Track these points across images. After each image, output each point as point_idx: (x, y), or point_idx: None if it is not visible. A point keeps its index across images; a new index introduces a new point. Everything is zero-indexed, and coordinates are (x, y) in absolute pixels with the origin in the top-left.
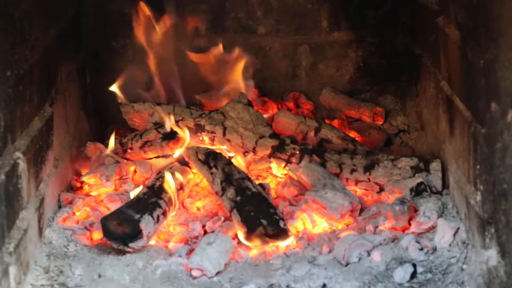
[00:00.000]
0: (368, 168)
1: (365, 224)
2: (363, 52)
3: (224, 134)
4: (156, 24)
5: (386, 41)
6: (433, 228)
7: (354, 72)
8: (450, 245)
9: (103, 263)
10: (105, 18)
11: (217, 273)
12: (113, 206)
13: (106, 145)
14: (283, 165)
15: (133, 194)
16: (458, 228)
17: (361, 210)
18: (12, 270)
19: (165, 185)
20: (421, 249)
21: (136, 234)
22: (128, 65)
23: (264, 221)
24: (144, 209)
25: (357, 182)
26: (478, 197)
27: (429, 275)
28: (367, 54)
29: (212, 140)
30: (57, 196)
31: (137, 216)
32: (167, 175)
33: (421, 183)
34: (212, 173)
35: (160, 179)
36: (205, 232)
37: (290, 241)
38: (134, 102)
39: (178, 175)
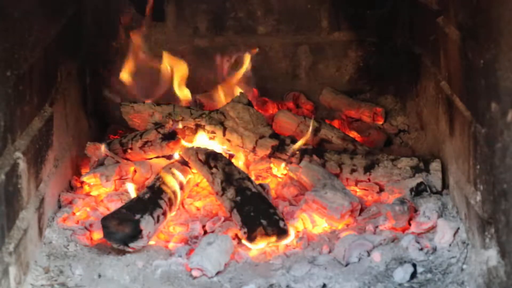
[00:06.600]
0: (368, 168)
1: (365, 224)
2: (363, 52)
3: (224, 134)
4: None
5: (386, 41)
6: (433, 228)
7: (354, 72)
8: (450, 245)
9: (103, 263)
10: (105, 18)
11: (217, 273)
12: (113, 206)
13: (106, 146)
14: (283, 165)
15: (131, 191)
16: (458, 228)
17: (361, 210)
18: (12, 270)
19: (165, 186)
20: (421, 249)
21: (136, 234)
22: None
23: (264, 221)
24: (144, 209)
25: (357, 182)
26: (478, 197)
27: (429, 275)
28: (367, 54)
29: (212, 140)
30: (57, 196)
31: (137, 216)
32: (168, 177)
33: (421, 183)
34: (212, 173)
35: (160, 179)
36: (205, 232)
37: (289, 240)
38: (134, 102)
39: (177, 173)
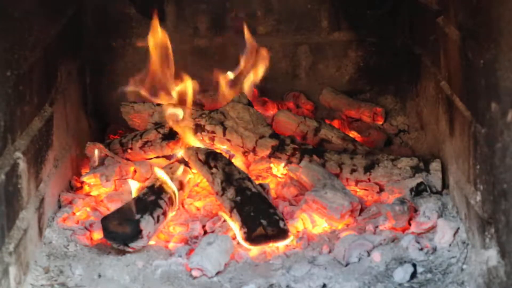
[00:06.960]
0: (368, 168)
1: (365, 224)
2: (363, 52)
3: (224, 134)
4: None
5: (386, 41)
6: (433, 228)
7: (354, 72)
8: (450, 245)
9: (103, 263)
10: (105, 18)
11: (217, 273)
12: (113, 206)
13: (106, 145)
14: (282, 165)
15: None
16: (458, 228)
17: (361, 210)
18: (12, 270)
19: (164, 185)
20: (421, 249)
21: (136, 234)
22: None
23: (264, 221)
24: (144, 209)
25: (357, 182)
26: (478, 197)
27: (429, 275)
28: (367, 54)
29: (212, 140)
30: (57, 196)
31: (137, 216)
32: (162, 175)
33: (421, 183)
34: (212, 173)
35: (159, 179)
36: (205, 232)
37: (290, 240)
38: (134, 102)
39: (178, 172)
